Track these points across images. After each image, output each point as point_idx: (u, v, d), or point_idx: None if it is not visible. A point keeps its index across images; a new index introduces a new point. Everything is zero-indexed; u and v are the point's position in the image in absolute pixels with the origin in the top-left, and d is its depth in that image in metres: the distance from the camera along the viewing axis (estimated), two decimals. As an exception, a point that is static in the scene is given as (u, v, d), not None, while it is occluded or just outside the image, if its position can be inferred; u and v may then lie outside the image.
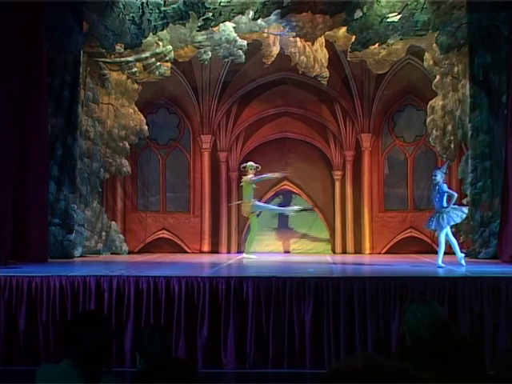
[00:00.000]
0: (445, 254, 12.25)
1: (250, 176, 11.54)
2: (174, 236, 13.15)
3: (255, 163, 11.65)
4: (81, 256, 11.53)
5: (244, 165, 11.75)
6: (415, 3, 11.49)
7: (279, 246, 13.10)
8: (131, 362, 7.32)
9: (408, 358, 3.48)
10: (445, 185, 9.57)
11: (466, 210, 9.80)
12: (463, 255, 9.69)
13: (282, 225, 13.14)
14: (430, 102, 12.41)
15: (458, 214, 9.54)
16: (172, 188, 13.27)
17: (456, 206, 9.68)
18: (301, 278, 7.75)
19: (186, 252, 12.96)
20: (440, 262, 9.53)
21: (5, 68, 9.88)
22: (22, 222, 10.16)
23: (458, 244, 9.96)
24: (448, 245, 9.70)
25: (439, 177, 9.52)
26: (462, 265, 9.43)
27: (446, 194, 9.44)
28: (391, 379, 1.32)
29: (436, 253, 12.30)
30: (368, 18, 11.65)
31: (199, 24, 11.89)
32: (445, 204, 9.46)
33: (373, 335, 7.43)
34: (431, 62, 12.24)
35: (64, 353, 3.40)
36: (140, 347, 3.71)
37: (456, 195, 9.61)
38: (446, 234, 9.58)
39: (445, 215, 9.43)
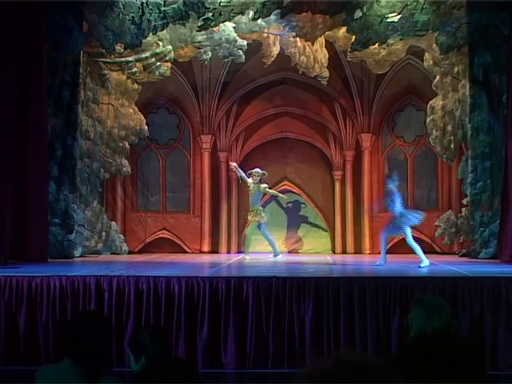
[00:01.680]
0: (444, 254, 12.30)
1: (265, 185, 11.71)
2: (173, 236, 13.15)
3: (261, 170, 11.71)
4: (81, 256, 11.53)
5: (250, 171, 11.72)
6: (415, 3, 11.49)
7: (280, 245, 13.07)
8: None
9: (408, 356, 3.48)
10: (394, 193, 10.07)
11: (422, 213, 10.27)
12: (427, 262, 9.83)
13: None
14: (430, 102, 12.41)
15: (416, 216, 10.12)
16: (172, 188, 13.26)
17: (412, 211, 10.39)
18: (301, 278, 7.76)
19: (186, 252, 12.96)
20: (424, 262, 9.73)
21: (5, 68, 9.88)
22: (22, 222, 10.16)
23: (458, 245, 10.03)
24: (452, 245, 9.75)
25: (391, 185, 10.14)
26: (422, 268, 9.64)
27: (397, 200, 10.01)
28: (362, 377, 1.32)
29: (436, 253, 12.36)
30: (368, 17, 11.66)
31: (199, 24, 11.90)
32: (399, 208, 10.01)
33: (373, 335, 7.43)
34: (431, 62, 12.24)
35: (64, 353, 3.40)
36: (141, 349, 3.66)
37: (392, 205, 10.10)
38: (407, 238, 10.09)
39: (404, 218, 9.98)
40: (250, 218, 11.73)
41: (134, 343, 3.67)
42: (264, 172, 11.72)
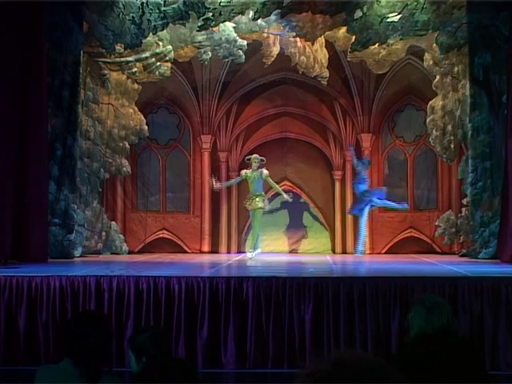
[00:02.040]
0: (444, 254, 12.31)
1: (266, 172, 11.65)
2: (173, 236, 13.15)
3: (260, 156, 11.78)
4: (81, 256, 11.53)
5: (249, 157, 11.88)
6: (415, 3, 11.49)
7: (280, 245, 13.08)
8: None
9: (408, 356, 3.48)
10: (362, 177, 10.95)
11: (383, 188, 11.38)
12: (362, 249, 10.78)
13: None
14: (430, 102, 12.41)
15: (378, 191, 11.13)
16: (172, 188, 13.26)
17: (372, 191, 11.24)
18: (301, 278, 7.76)
19: (186, 252, 12.96)
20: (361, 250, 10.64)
21: (5, 68, 9.88)
22: (22, 222, 10.15)
23: (458, 245, 10.09)
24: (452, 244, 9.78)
25: (360, 167, 11.04)
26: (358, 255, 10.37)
27: (362, 182, 10.93)
28: (361, 377, 1.32)
29: (436, 253, 12.37)
30: (368, 17, 11.65)
31: (199, 24, 11.89)
32: (362, 187, 10.86)
33: (373, 335, 7.43)
34: (431, 62, 12.24)
35: (64, 353, 3.40)
36: (142, 350, 3.63)
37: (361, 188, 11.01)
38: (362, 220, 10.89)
39: (368, 194, 10.86)
40: (252, 205, 11.51)
41: (135, 344, 3.66)
42: (263, 158, 11.78)
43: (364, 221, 10.55)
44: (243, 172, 11.80)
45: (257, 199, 11.53)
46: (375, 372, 1.33)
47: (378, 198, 10.58)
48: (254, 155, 11.81)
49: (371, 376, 1.32)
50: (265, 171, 11.68)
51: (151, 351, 3.57)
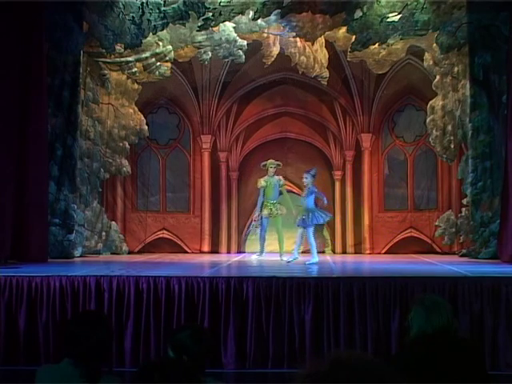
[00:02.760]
0: (444, 254, 12.31)
1: (282, 180, 11.42)
2: (174, 236, 13.15)
3: (275, 161, 11.59)
4: (81, 256, 11.53)
5: (264, 163, 11.54)
6: (415, 3, 11.49)
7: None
8: (131, 361, 7.33)
9: (408, 356, 3.48)
10: (314, 187, 10.52)
11: (329, 215, 10.87)
12: (317, 260, 10.30)
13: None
14: (430, 102, 12.40)
15: (322, 216, 10.55)
16: (172, 188, 13.26)
17: (321, 210, 10.74)
18: (301, 278, 7.76)
19: (186, 252, 12.96)
20: (314, 259, 10.21)
21: (5, 68, 9.88)
22: (22, 222, 10.15)
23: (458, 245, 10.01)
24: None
25: (309, 179, 10.46)
26: (311, 265, 10.02)
27: (314, 196, 10.47)
28: (358, 377, 1.32)
29: (436, 253, 12.37)
30: (368, 17, 11.65)
31: (199, 24, 11.89)
32: (312, 205, 10.47)
33: (373, 335, 7.43)
34: (431, 62, 12.24)
35: (64, 353, 3.40)
36: (183, 349, 3.55)
37: (323, 197, 10.66)
38: (308, 234, 10.48)
39: (311, 215, 10.33)
40: (272, 212, 11.27)
41: (175, 342, 3.60)
42: (279, 162, 11.59)
43: (302, 232, 10.51)
44: (262, 182, 11.33)
45: (278, 206, 11.29)
46: (373, 372, 1.33)
47: (316, 224, 10.55)
48: (270, 160, 11.43)
49: (369, 376, 1.32)
50: (282, 180, 11.46)
51: (191, 350, 3.52)
